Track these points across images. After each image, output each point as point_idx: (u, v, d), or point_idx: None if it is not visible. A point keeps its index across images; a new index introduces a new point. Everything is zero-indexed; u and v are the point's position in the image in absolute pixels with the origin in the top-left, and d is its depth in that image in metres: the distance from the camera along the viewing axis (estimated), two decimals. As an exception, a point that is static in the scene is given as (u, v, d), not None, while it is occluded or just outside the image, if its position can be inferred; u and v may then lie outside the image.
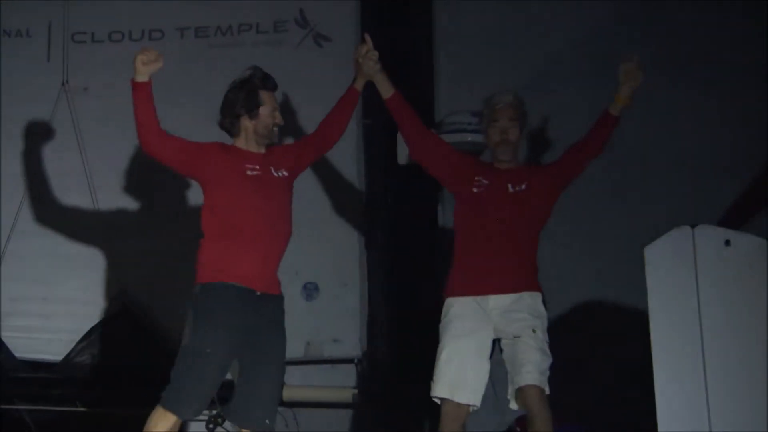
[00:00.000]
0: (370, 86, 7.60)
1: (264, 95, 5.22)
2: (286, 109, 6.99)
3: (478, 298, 5.47)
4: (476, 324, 5.45)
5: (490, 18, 8.14)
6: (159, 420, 4.99)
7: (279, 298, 5.24)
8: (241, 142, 5.25)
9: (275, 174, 5.22)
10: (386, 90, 5.74)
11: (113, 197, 7.80)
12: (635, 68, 5.51)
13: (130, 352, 7.59)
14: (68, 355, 7.58)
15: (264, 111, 5.21)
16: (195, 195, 7.28)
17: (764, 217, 7.66)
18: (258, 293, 5.09)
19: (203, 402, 5.07)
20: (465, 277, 5.53)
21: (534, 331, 5.41)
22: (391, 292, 7.67)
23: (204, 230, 5.18)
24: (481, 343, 5.44)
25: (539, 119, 7.82)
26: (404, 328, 7.57)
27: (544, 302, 5.59)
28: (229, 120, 5.25)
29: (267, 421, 5.15)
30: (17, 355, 7.63)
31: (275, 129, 5.26)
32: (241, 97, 5.20)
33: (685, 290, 4.85)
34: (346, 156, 7.69)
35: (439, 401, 5.43)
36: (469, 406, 5.40)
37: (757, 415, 4.71)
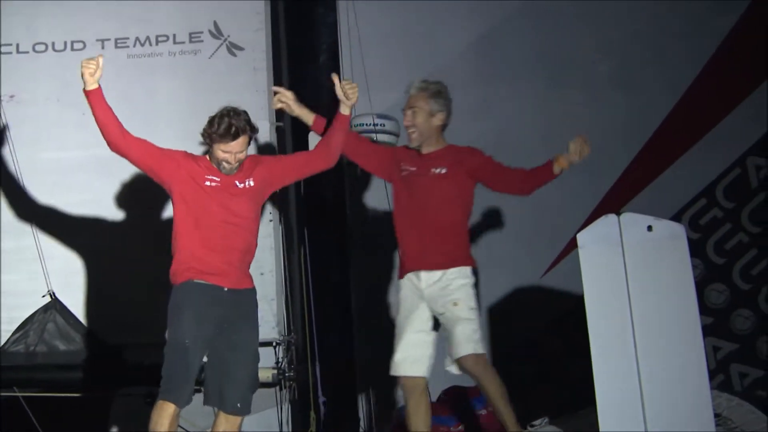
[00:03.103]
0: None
1: (217, 144, 5.63)
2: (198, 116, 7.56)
3: (412, 274, 6.01)
4: (413, 303, 6.00)
5: (391, 24, 8.75)
6: (161, 411, 5.43)
7: (248, 292, 5.76)
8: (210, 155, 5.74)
9: (239, 185, 5.71)
10: (308, 119, 6.28)
11: (44, 197, 8.03)
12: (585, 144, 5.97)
13: (60, 341, 7.85)
14: (4, 344, 7.83)
15: (215, 149, 5.65)
16: (130, 196, 7.87)
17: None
18: (226, 289, 5.61)
19: (191, 388, 5.51)
20: (404, 257, 6.06)
21: (455, 304, 5.88)
22: (305, 280, 7.99)
23: (173, 233, 5.69)
24: (419, 319, 5.98)
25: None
26: (318, 313, 7.96)
27: (476, 273, 6.06)
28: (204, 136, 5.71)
29: (239, 404, 5.63)
30: None
31: (223, 164, 5.65)
32: (207, 131, 5.65)
33: (614, 271, 5.23)
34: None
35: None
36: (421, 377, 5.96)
37: (686, 386, 5.09)
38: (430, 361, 6.01)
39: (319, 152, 6.08)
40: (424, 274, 5.97)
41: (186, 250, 5.63)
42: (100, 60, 5.51)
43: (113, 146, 5.63)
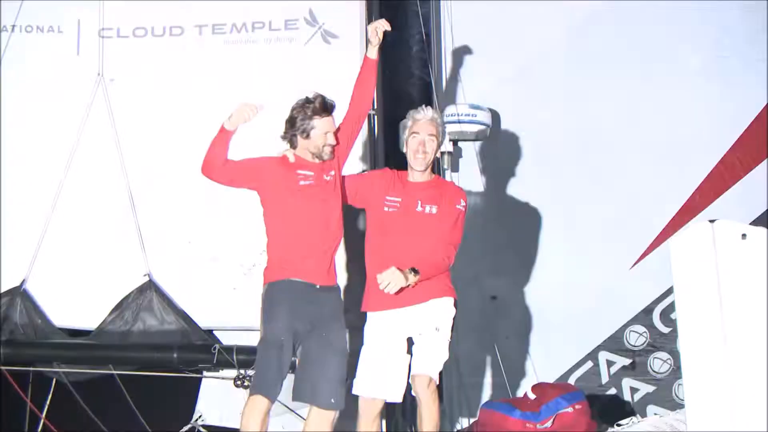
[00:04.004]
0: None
1: (318, 121, 5.79)
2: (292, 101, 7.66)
3: (392, 312, 5.93)
4: (390, 328, 5.93)
5: (484, 15, 8.64)
6: (254, 406, 5.60)
7: (336, 289, 5.89)
8: (298, 152, 5.85)
9: (326, 178, 5.83)
10: None
11: (144, 179, 8.21)
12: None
13: (155, 321, 8.01)
14: (102, 322, 7.97)
15: (315, 133, 5.80)
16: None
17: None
18: (318, 286, 5.75)
19: (283, 383, 5.69)
20: (376, 293, 5.88)
21: (437, 329, 5.89)
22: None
23: (266, 235, 5.84)
24: (397, 344, 5.94)
25: (525, 105, 8.52)
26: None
27: (456, 305, 6.04)
28: (288, 135, 5.87)
29: (332, 399, 5.76)
30: (55, 322, 8.06)
31: (326, 148, 5.82)
32: (298, 119, 5.81)
33: (706, 279, 5.16)
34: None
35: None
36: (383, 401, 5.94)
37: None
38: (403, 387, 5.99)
39: (358, 101, 6.17)
40: (410, 309, 5.94)
41: (281, 249, 5.78)
42: (258, 110, 5.71)
43: (207, 175, 5.83)
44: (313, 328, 5.71)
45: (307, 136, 5.81)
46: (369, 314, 6.02)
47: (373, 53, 6.11)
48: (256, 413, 5.56)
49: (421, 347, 5.90)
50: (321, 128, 5.82)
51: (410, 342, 5.99)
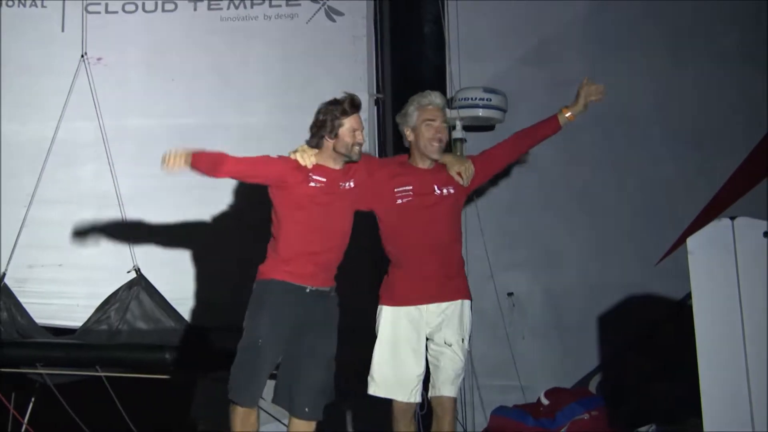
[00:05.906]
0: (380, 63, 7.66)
1: (346, 119, 5.57)
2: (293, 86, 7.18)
3: (421, 307, 5.66)
4: (413, 325, 5.65)
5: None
6: (232, 412, 5.47)
7: (330, 296, 5.63)
8: (319, 157, 5.61)
9: (340, 186, 5.61)
10: None
11: (127, 166, 7.80)
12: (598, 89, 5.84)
13: (144, 320, 7.66)
14: (86, 322, 7.64)
15: (344, 131, 5.56)
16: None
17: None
18: (307, 290, 5.51)
19: (259, 387, 5.47)
20: (401, 288, 5.70)
21: (463, 340, 5.68)
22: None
23: (274, 231, 5.59)
24: (419, 342, 5.65)
25: (543, 88, 8.07)
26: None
27: (471, 308, 5.79)
28: (315, 139, 5.61)
29: (307, 409, 5.54)
30: (37, 320, 7.70)
31: (355, 147, 5.59)
32: (327, 120, 5.56)
33: (726, 279, 4.99)
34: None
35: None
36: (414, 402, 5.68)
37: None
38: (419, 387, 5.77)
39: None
40: (435, 306, 5.70)
41: (276, 247, 5.59)
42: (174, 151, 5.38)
43: (218, 178, 5.66)
44: (297, 333, 5.53)
45: (336, 136, 5.59)
46: (388, 308, 5.73)
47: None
48: (234, 419, 5.47)
49: (450, 363, 5.67)
50: (349, 126, 5.59)
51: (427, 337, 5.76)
